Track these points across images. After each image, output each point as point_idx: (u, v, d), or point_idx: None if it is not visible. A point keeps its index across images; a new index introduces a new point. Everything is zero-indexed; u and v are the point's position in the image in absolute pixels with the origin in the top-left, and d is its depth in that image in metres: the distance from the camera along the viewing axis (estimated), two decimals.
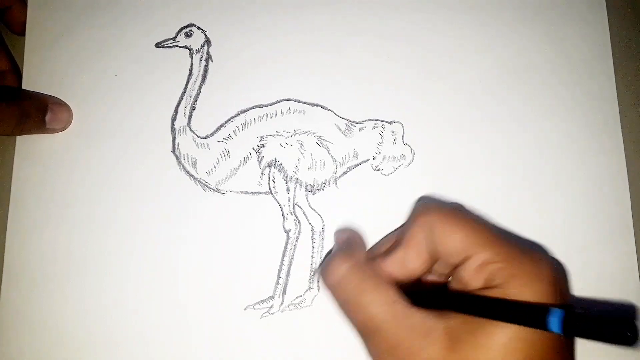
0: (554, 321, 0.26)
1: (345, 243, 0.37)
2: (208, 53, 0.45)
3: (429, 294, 0.33)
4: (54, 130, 0.43)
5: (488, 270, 0.31)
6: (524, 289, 0.29)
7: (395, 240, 0.36)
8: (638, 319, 0.32)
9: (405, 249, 0.34)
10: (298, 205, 0.42)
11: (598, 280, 0.41)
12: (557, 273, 0.31)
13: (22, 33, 0.45)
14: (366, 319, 0.32)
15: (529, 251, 0.32)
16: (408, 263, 0.34)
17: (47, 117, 0.42)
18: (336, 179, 0.43)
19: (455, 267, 0.34)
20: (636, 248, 0.41)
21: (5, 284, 0.41)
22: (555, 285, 0.30)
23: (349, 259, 0.34)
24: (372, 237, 0.41)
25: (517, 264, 0.31)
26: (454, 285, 0.34)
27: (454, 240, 0.32)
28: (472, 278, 0.32)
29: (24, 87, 0.44)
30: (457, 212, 0.34)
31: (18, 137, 0.44)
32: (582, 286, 0.40)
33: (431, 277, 0.37)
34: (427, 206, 0.35)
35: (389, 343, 0.30)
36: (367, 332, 0.32)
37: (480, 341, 0.29)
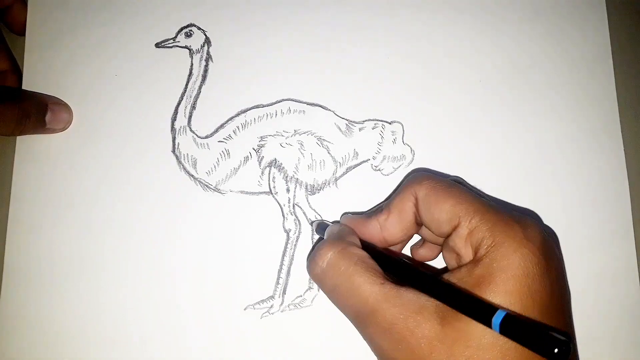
0: (495, 321, 0.26)
1: (332, 234, 0.37)
2: (208, 53, 0.45)
3: (408, 278, 0.33)
4: (54, 130, 0.43)
5: (476, 238, 0.31)
6: (513, 254, 0.29)
7: (383, 205, 0.37)
8: (572, 340, 0.32)
9: (388, 212, 0.35)
10: (298, 206, 0.42)
11: (598, 281, 0.41)
12: (546, 237, 0.31)
13: (22, 33, 0.45)
14: (359, 302, 0.31)
15: (517, 217, 0.32)
16: (388, 226, 0.35)
17: (47, 117, 0.42)
18: (336, 179, 0.43)
19: (447, 238, 0.34)
20: (636, 248, 0.41)
21: (5, 283, 0.41)
22: (543, 249, 0.30)
23: (335, 246, 0.33)
24: None
25: (505, 229, 0.30)
26: (447, 257, 0.34)
27: (442, 209, 0.32)
28: (462, 247, 0.32)
29: (24, 87, 0.44)
30: (446, 182, 0.34)
31: (18, 138, 0.44)
32: (582, 286, 0.40)
33: (423, 251, 0.38)
34: (416, 177, 0.35)
35: (384, 324, 0.30)
36: (361, 316, 0.32)
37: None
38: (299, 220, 0.42)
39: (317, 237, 0.42)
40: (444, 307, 0.29)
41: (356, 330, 0.40)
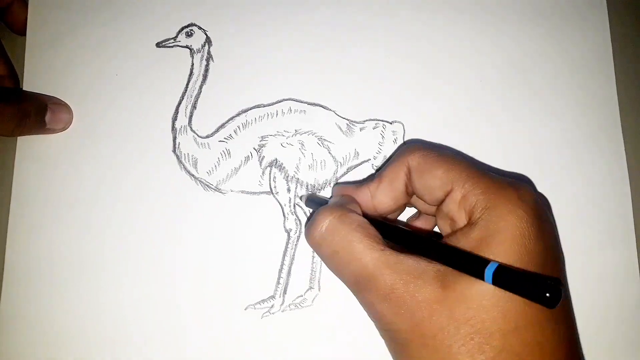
0: (488, 272, 0.27)
1: (330, 202, 0.37)
2: (209, 53, 0.45)
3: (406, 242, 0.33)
4: (54, 131, 0.43)
5: (469, 202, 0.31)
6: (508, 215, 0.29)
7: (374, 174, 0.37)
8: (564, 285, 0.32)
9: (379, 181, 0.35)
10: (299, 205, 0.42)
11: (599, 281, 0.41)
12: (539, 200, 0.31)
13: (23, 33, 0.45)
14: (359, 267, 0.31)
15: (510, 180, 0.32)
16: (379, 195, 0.35)
17: (47, 117, 0.42)
18: (337, 179, 0.43)
19: (439, 205, 0.34)
20: (637, 248, 0.41)
21: (6, 283, 0.41)
22: (537, 210, 0.30)
23: (334, 211, 0.33)
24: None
25: (497, 192, 0.30)
26: (441, 225, 0.35)
27: (434, 176, 0.33)
28: (456, 212, 0.32)
29: (24, 87, 0.44)
30: (438, 150, 0.34)
31: (19, 137, 0.43)
32: (583, 287, 0.40)
33: (420, 223, 0.38)
34: (409, 146, 0.35)
35: (384, 289, 0.30)
36: (361, 282, 0.31)
37: (472, 278, 0.29)
38: (299, 220, 0.42)
39: None
40: (444, 271, 0.29)
41: (355, 330, 0.40)
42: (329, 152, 0.43)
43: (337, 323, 0.40)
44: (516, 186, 0.31)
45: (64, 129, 0.43)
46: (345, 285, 0.33)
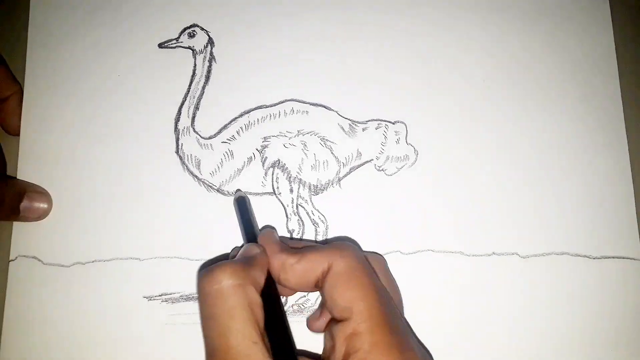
0: None
1: (244, 255, 0.34)
2: (211, 53, 0.45)
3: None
4: (27, 219, 0.41)
5: (354, 344, 0.30)
6: None
7: (304, 248, 0.35)
8: None
9: (298, 261, 0.33)
10: (301, 206, 0.42)
11: (601, 280, 0.41)
12: None
13: (17, 133, 0.44)
14: (221, 344, 0.29)
15: (405, 343, 0.31)
16: (289, 272, 0.33)
17: (22, 206, 0.41)
18: (340, 180, 0.43)
19: (334, 322, 0.32)
20: None
21: (10, 285, 0.41)
22: None
23: (234, 275, 0.31)
24: (373, 236, 0.41)
25: (382, 354, 0.29)
26: (325, 338, 0.34)
27: (342, 295, 0.31)
28: (340, 342, 0.31)
29: (25, 88, 0.44)
30: (364, 268, 0.33)
31: (21, 137, 0.43)
32: (585, 287, 0.40)
33: (320, 324, 0.36)
34: (342, 247, 0.34)
35: None
36: (215, 356, 0.30)
37: None
38: (302, 221, 0.42)
39: (320, 238, 0.42)
40: None
41: None
42: (332, 153, 0.43)
43: None
44: (407, 354, 0.30)
45: (39, 218, 0.42)
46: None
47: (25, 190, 0.41)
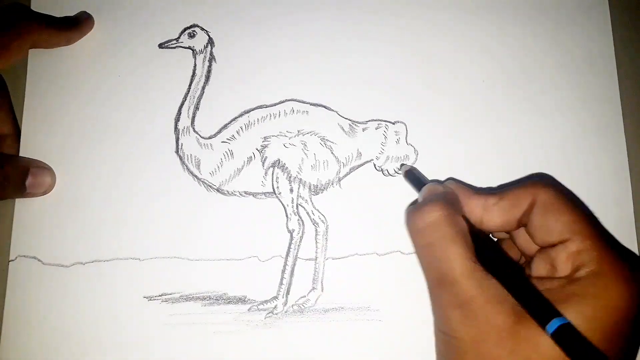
0: (553, 324, 0.27)
1: (441, 194, 0.36)
2: (211, 53, 0.45)
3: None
4: (34, 195, 0.42)
5: (581, 259, 0.31)
6: (614, 289, 0.30)
7: (495, 190, 0.36)
8: None
9: (499, 198, 0.34)
10: (302, 206, 0.42)
11: None
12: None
13: None
14: (447, 267, 0.31)
15: (627, 253, 0.32)
16: (493, 211, 0.34)
17: (28, 182, 0.41)
18: (340, 179, 0.43)
19: (544, 247, 0.34)
20: (638, 249, 0.41)
21: (10, 286, 0.41)
22: (635, 298, 0.30)
23: (444, 208, 0.33)
24: (373, 236, 0.41)
25: (613, 262, 0.31)
26: (537, 264, 0.34)
27: (559, 220, 0.32)
28: (562, 262, 0.32)
29: (27, 90, 0.44)
30: (569, 195, 0.35)
31: (21, 137, 0.43)
32: None
33: (511, 252, 0.38)
34: (542, 179, 0.36)
35: (463, 297, 0.30)
36: (443, 282, 0.32)
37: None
38: (302, 221, 0.42)
39: (320, 237, 0.42)
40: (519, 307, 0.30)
41: (357, 331, 0.40)
42: (332, 153, 0.43)
43: (339, 323, 0.40)
44: (632, 263, 0.31)
45: (45, 193, 0.43)
46: (424, 278, 0.33)
47: (28, 166, 0.42)
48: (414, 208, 0.34)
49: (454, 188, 0.36)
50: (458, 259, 0.31)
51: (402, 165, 0.42)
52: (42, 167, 0.43)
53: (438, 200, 0.34)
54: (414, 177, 0.40)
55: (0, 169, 0.40)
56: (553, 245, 0.33)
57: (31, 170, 0.42)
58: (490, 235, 0.38)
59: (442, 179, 0.42)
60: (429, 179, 0.42)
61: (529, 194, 0.34)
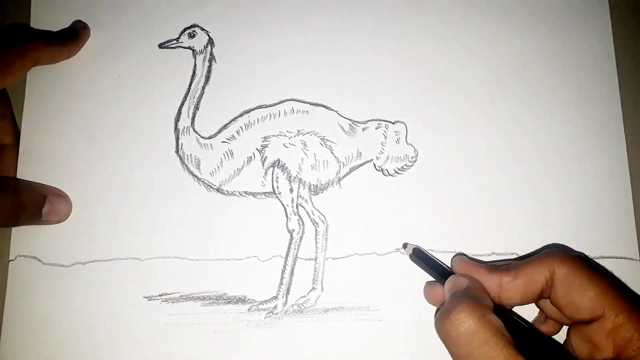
0: None
1: (465, 291, 0.34)
2: (211, 54, 0.45)
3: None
4: (49, 222, 0.42)
5: (622, 336, 0.30)
6: None
7: (510, 265, 0.35)
8: None
9: (515, 276, 0.34)
10: (301, 206, 0.42)
11: None
12: None
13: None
14: None
15: None
16: (510, 289, 0.34)
17: (44, 210, 0.41)
18: (340, 179, 0.43)
19: (577, 323, 0.33)
20: (639, 248, 0.41)
21: (10, 287, 0.41)
22: None
23: (475, 311, 0.31)
24: (373, 236, 0.41)
25: None
26: (577, 343, 0.34)
27: (585, 296, 0.32)
28: (602, 341, 0.31)
29: (27, 91, 0.44)
30: (589, 267, 0.33)
31: (21, 137, 0.43)
32: None
33: (546, 328, 0.37)
34: (558, 252, 0.34)
35: None
36: None
37: None
38: (302, 221, 0.42)
39: (320, 237, 0.42)
40: None
41: (357, 331, 0.40)
42: (332, 152, 0.43)
43: (339, 323, 0.40)
44: None
45: (59, 221, 0.42)
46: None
47: (46, 194, 0.41)
48: (442, 314, 0.32)
49: (466, 269, 0.35)
50: None
51: (405, 245, 0.41)
52: (60, 196, 0.42)
53: (466, 301, 0.32)
54: (423, 258, 0.38)
55: (14, 197, 0.39)
56: (586, 322, 0.32)
57: (48, 199, 0.41)
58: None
59: (442, 179, 0.42)
60: (429, 181, 0.42)
61: (544, 269, 0.33)
